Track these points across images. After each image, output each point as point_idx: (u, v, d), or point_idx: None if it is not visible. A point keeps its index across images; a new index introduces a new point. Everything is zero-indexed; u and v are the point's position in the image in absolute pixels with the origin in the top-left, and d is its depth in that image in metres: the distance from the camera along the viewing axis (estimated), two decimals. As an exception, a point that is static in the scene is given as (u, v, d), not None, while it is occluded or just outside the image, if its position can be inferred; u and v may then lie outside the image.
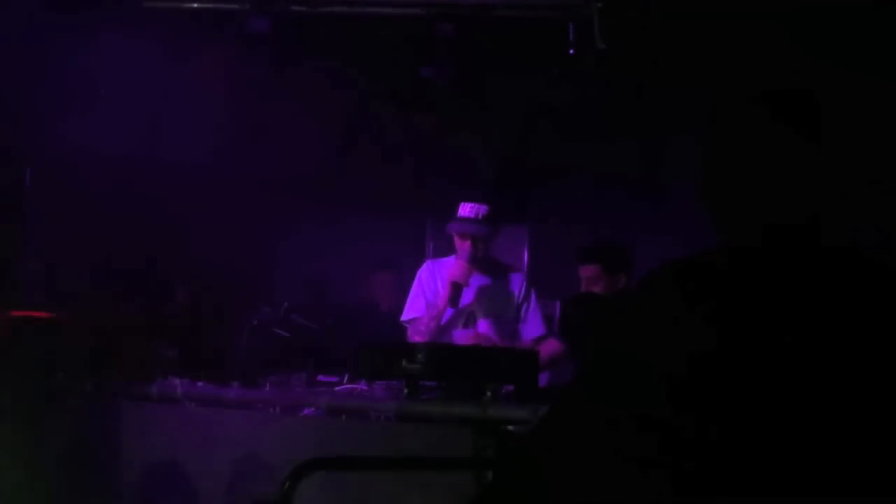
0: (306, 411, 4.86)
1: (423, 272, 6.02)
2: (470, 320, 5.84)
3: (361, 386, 4.91)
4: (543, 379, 6.04)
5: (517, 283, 5.97)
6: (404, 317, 5.97)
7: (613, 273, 5.67)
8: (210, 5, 6.96)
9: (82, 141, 6.95)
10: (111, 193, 7.07)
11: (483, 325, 5.82)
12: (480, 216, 5.87)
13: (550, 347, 5.78)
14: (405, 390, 4.49)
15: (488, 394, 4.29)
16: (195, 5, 6.91)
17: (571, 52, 6.67)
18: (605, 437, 2.08)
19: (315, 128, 7.96)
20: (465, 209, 5.89)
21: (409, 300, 6.00)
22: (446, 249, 6.16)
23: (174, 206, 7.43)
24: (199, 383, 5.30)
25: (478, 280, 5.88)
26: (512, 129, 8.51)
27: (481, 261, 5.87)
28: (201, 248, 7.55)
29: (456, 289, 5.77)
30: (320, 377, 5.18)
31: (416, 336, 5.79)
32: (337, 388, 4.98)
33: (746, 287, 2.05)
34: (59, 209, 7.09)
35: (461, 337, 5.79)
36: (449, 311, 5.79)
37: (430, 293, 5.93)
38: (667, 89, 7.39)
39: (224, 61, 7.72)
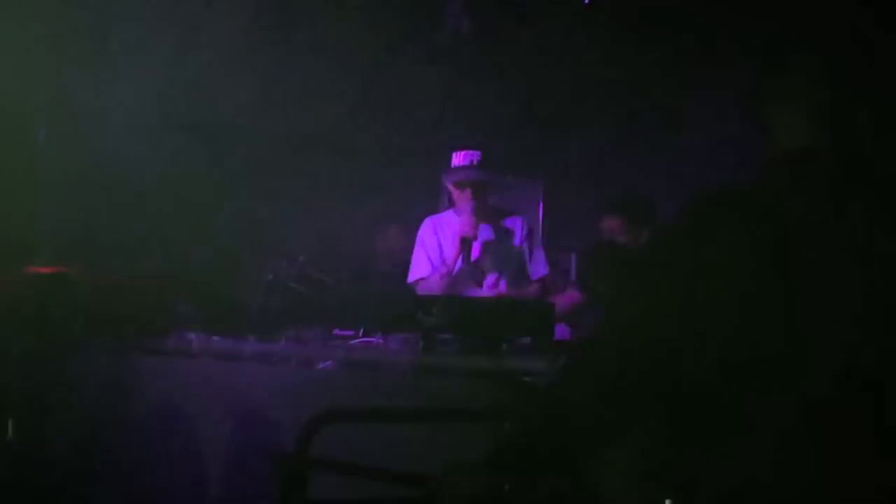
0: (322, 365, 4.87)
1: (424, 230, 5.95)
2: (477, 271, 5.79)
3: (377, 339, 4.91)
4: (562, 331, 6.03)
5: (518, 227, 5.90)
6: (410, 278, 5.91)
7: (636, 225, 5.65)
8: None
9: (95, 98, 6.93)
10: (125, 150, 7.05)
11: (491, 280, 5.78)
12: (475, 162, 5.79)
13: (569, 298, 5.76)
14: (421, 343, 4.48)
15: (504, 346, 4.28)
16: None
17: (586, 1, 6.61)
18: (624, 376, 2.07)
19: (330, 81, 7.91)
20: (459, 157, 5.83)
21: (413, 260, 5.94)
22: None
23: (189, 161, 7.41)
24: (215, 338, 5.31)
25: (480, 227, 5.79)
26: (527, 82, 8.45)
27: (482, 208, 5.77)
28: (217, 203, 7.54)
29: (466, 244, 5.72)
30: (336, 331, 5.17)
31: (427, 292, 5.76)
32: (353, 342, 4.98)
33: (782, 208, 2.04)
34: (72, 166, 7.08)
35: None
36: (459, 266, 5.75)
37: (433, 250, 5.88)
38: (682, 43, 7.33)
39: (236, 17, 7.68)
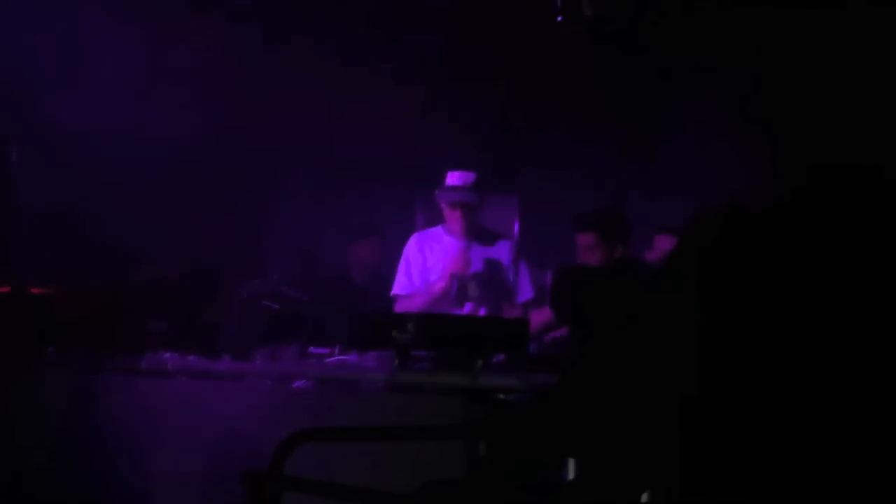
0: (297, 383, 4.85)
1: (410, 247, 6.02)
2: (461, 295, 5.84)
3: (352, 357, 4.90)
4: (534, 348, 6.05)
5: (506, 250, 5.97)
6: (396, 290, 5.99)
7: (610, 241, 5.67)
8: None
9: (70, 117, 6.91)
10: (99, 169, 7.03)
11: (469, 307, 5.82)
12: (469, 184, 5.86)
13: (543, 316, 5.78)
14: (396, 360, 4.48)
15: (479, 363, 4.28)
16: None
17: (559, 18, 6.64)
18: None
19: (304, 99, 7.92)
20: (454, 177, 5.89)
21: (397, 275, 6.00)
22: (436, 219, 6.15)
23: (163, 180, 7.39)
24: (190, 357, 5.29)
25: (480, 256, 5.89)
26: (500, 97, 8.48)
27: (471, 229, 5.87)
28: (191, 221, 7.53)
29: (454, 279, 5.78)
30: (311, 349, 5.16)
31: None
32: (328, 360, 4.97)
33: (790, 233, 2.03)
34: (46, 185, 7.06)
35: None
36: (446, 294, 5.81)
37: (416, 268, 5.94)
38: (655, 54, 7.35)
39: (212, 33, 7.68)
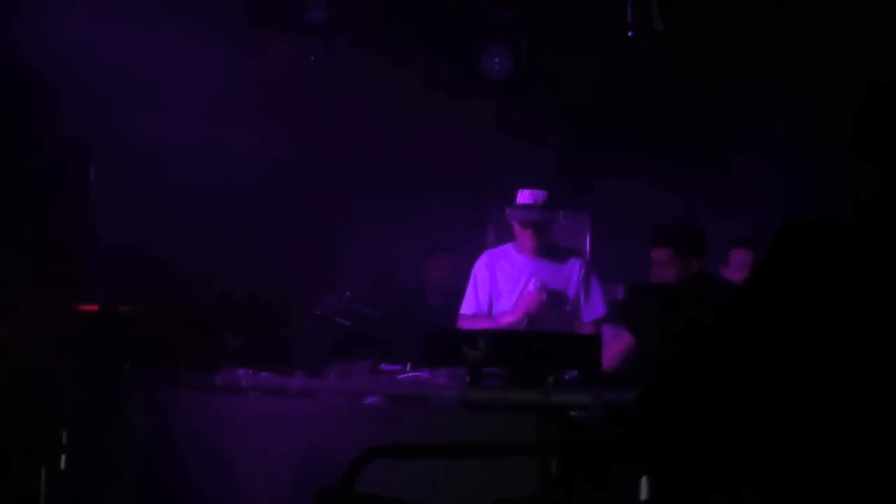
0: (369, 400, 4.87)
1: (479, 266, 6.03)
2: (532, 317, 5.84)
3: (424, 374, 4.91)
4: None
5: (577, 267, 5.95)
6: (463, 310, 6.00)
7: (685, 256, 5.62)
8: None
9: (146, 135, 7.02)
10: (175, 186, 7.12)
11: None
12: (540, 202, 5.86)
13: (620, 344, 5.72)
14: (468, 377, 4.48)
15: (550, 379, 4.27)
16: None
17: (630, 34, 6.63)
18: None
19: (375, 116, 7.97)
20: (525, 196, 5.88)
21: (466, 294, 6.02)
22: (507, 235, 6.15)
23: (238, 198, 7.47)
24: (263, 373, 5.33)
25: (539, 265, 5.88)
26: (572, 113, 8.47)
27: (542, 246, 5.87)
28: (265, 239, 7.59)
29: (527, 318, 5.79)
30: (383, 366, 5.18)
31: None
32: (400, 377, 4.99)
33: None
34: (123, 203, 7.16)
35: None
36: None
37: (484, 288, 5.96)
38: (726, 70, 7.32)
39: (285, 52, 7.76)
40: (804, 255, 2.02)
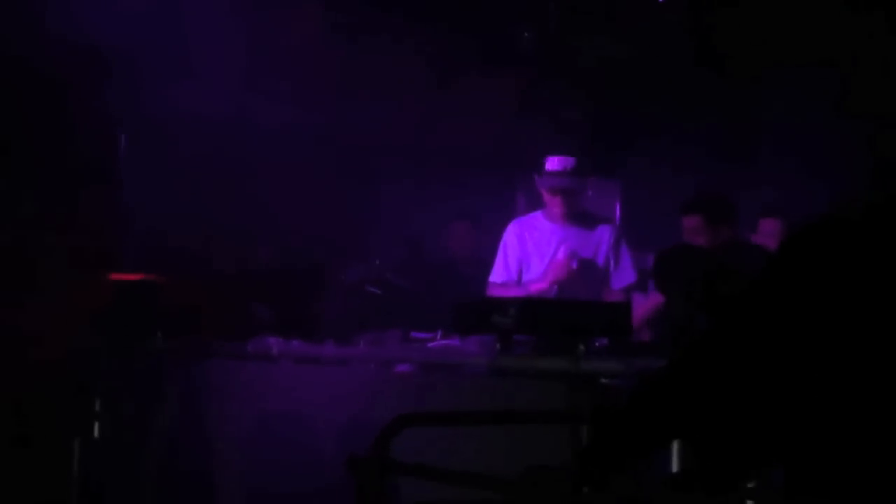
0: (400, 368, 4.88)
1: (509, 234, 6.01)
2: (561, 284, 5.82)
3: (454, 342, 4.91)
4: (645, 335, 6.02)
5: (607, 234, 5.92)
6: (492, 278, 5.99)
7: (716, 224, 5.62)
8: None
9: (174, 104, 7.02)
10: (205, 156, 7.14)
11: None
12: (569, 169, 5.82)
13: (650, 303, 5.74)
14: (498, 345, 4.48)
15: (581, 347, 4.26)
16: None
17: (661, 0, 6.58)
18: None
19: (405, 85, 7.95)
20: (553, 163, 5.85)
21: (496, 262, 6.01)
22: (537, 202, 6.13)
23: (267, 169, 7.48)
24: (294, 341, 5.34)
25: (568, 232, 5.85)
26: (603, 80, 8.42)
27: (572, 213, 5.84)
28: (295, 209, 7.60)
29: (555, 286, 5.77)
30: (413, 334, 5.19)
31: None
32: (430, 345, 4.99)
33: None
34: (152, 173, 7.18)
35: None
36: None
37: (514, 256, 5.94)
38: (756, 38, 7.26)
39: (312, 22, 7.74)
40: (813, 257, 2.02)
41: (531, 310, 4.45)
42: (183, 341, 5.76)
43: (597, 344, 4.41)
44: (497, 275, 5.98)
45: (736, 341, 2.09)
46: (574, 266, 5.77)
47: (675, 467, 3.22)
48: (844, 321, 1.97)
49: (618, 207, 8.81)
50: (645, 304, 5.77)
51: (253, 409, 5.16)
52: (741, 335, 2.08)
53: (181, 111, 6.99)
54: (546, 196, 5.89)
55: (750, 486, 2.49)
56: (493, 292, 5.95)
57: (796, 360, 2.01)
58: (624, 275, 5.89)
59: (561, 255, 5.79)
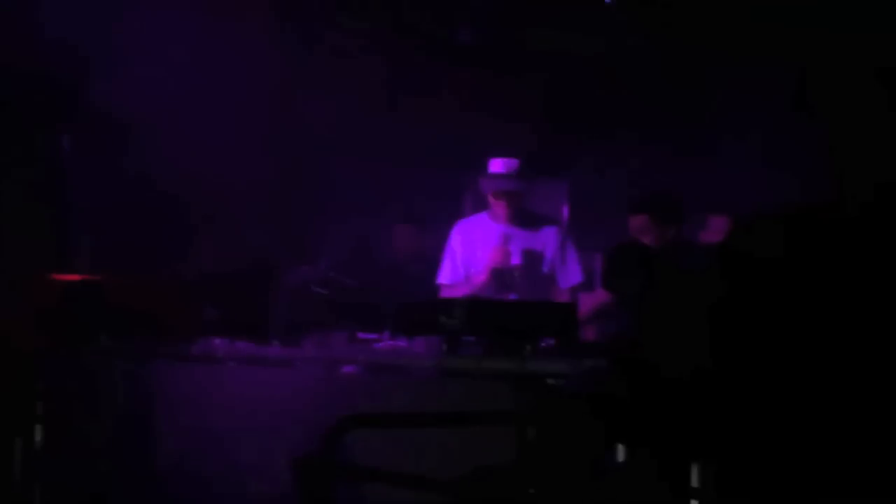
0: (346, 369, 4.86)
1: (455, 236, 6.02)
2: (504, 282, 5.82)
3: (401, 343, 4.90)
4: (590, 332, 6.03)
5: (553, 235, 5.93)
6: (440, 280, 6.00)
7: (663, 224, 5.64)
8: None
9: (121, 104, 6.96)
10: (150, 156, 7.08)
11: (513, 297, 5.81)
12: (513, 171, 5.83)
13: (594, 299, 5.76)
14: (444, 346, 4.47)
15: (528, 348, 4.26)
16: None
17: (608, 1, 6.60)
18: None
19: (352, 86, 7.93)
20: (497, 165, 5.86)
21: (443, 263, 6.02)
22: (484, 204, 6.14)
23: (214, 169, 7.43)
24: (240, 343, 5.31)
25: (514, 233, 5.85)
26: (550, 83, 8.44)
27: (516, 215, 5.84)
28: (241, 209, 7.56)
29: (499, 276, 5.76)
30: (360, 334, 5.17)
31: None
32: (377, 346, 4.98)
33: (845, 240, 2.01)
34: (97, 175, 7.12)
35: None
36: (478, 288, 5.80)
37: (461, 257, 5.94)
38: (706, 39, 7.30)
39: (259, 21, 7.70)
40: (748, 252, 2.04)
41: (478, 311, 4.45)
42: (128, 342, 5.71)
43: (543, 345, 4.42)
44: (444, 276, 6.00)
45: (675, 337, 2.10)
46: (510, 250, 5.76)
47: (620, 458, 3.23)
48: (780, 316, 1.99)
49: (565, 208, 8.84)
50: (590, 301, 5.79)
51: (198, 411, 5.12)
52: (681, 331, 2.09)
53: (126, 110, 6.93)
54: (490, 198, 5.89)
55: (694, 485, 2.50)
56: (442, 293, 5.96)
57: (732, 354, 2.02)
58: (571, 275, 5.91)
59: (495, 241, 5.77)
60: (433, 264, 6.18)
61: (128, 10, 7.04)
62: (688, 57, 7.81)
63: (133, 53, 7.06)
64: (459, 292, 5.83)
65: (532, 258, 5.84)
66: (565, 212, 8.80)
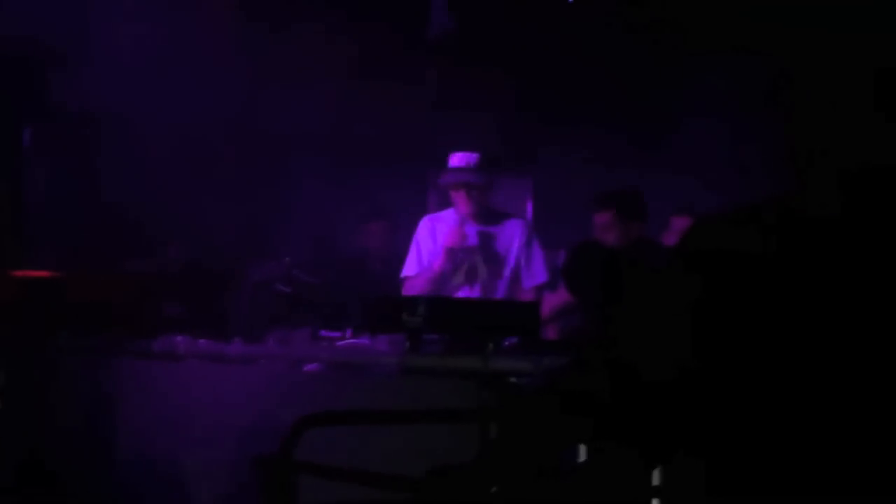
0: (309, 367, 4.84)
1: (421, 229, 5.99)
2: (471, 273, 5.79)
3: (364, 340, 4.89)
4: (553, 331, 6.02)
5: (517, 231, 5.89)
6: (403, 272, 5.96)
7: (628, 221, 5.63)
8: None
9: (81, 100, 6.91)
10: (113, 151, 7.03)
11: (477, 288, 5.79)
12: (472, 165, 5.79)
13: (558, 299, 5.74)
14: (407, 344, 4.46)
15: (490, 346, 4.26)
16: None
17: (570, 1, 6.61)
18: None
19: (317, 81, 7.91)
20: (456, 159, 5.82)
21: (408, 257, 5.98)
22: (448, 201, 6.12)
23: (177, 164, 7.39)
24: (201, 340, 5.28)
25: (477, 231, 5.82)
26: (515, 78, 8.45)
27: (479, 211, 5.80)
28: (203, 205, 7.53)
29: (451, 254, 5.73)
30: (323, 332, 5.16)
31: (411, 293, 5.77)
32: (339, 343, 4.96)
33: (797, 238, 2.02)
34: (58, 169, 7.06)
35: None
36: (445, 271, 5.76)
37: (427, 251, 5.90)
38: (667, 34, 7.32)
39: (225, 14, 7.66)
40: (704, 252, 2.05)
41: (441, 308, 4.45)
42: (89, 339, 5.67)
43: (506, 343, 4.42)
44: (409, 269, 5.96)
45: (632, 336, 2.11)
46: (465, 232, 5.73)
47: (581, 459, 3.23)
48: (736, 316, 1.99)
49: (529, 205, 8.85)
50: (552, 300, 5.77)
51: (159, 409, 5.09)
52: (637, 330, 2.10)
53: (88, 104, 6.89)
54: (451, 193, 5.86)
55: (656, 483, 2.50)
56: (406, 285, 5.91)
57: (699, 352, 2.03)
58: (535, 274, 5.87)
59: (452, 225, 5.74)
60: (399, 261, 6.16)
61: (90, 5, 6.99)
62: (655, 53, 7.84)
63: (96, 49, 7.02)
64: (421, 281, 5.79)
65: (487, 239, 5.80)
66: (529, 208, 8.81)
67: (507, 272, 5.84)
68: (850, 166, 2.07)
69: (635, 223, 5.67)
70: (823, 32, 2.12)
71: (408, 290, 5.85)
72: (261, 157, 7.87)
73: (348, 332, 5.01)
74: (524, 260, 5.86)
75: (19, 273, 6.24)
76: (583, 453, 3.17)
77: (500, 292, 5.77)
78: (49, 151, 7.11)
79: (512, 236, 5.87)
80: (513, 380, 4.04)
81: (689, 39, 7.38)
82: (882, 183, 2.05)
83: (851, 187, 2.05)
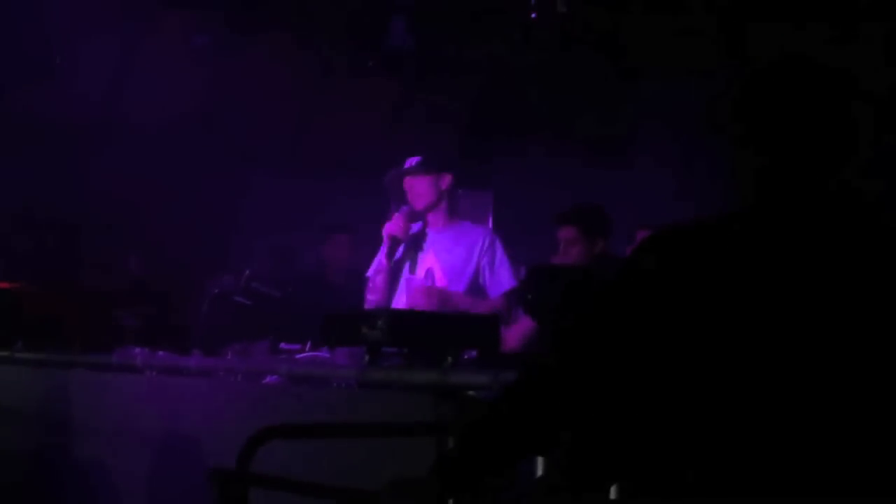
0: (268, 379, 4.83)
1: (385, 233, 5.96)
2: (429, 279, 5.73)
3: (323, 353, 4.88)
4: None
5: (479, 238, 5.79)
6: (369, 273, 5.91)
7: (591, 236, 5.64)
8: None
9: (37, 109, 6.87)
10: (71, 161, 7.00)
11: (421, 274, 5.71)
12: (412, 166, 5.77)
13: (524, 326, 5.65)
14: (366, 357, 4.46)
15: (449, 359, 4.26)
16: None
17: (533, 15, 6.65)
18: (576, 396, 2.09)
19: (278, 94, 7.91)
20: (406, 162, 5.82)
21: (376, 258, 5.93)
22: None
23: (135, 177, 7.36)
24: (160, 352, 5.27)
25: (437, 238, 5.76)
26: (475, 93, 8.48)
27: (428, 208, 5.72)
28: (162, 217, 7.50)
29: (393, 242, 5.68)
30: (282, 345, 5.15)
31: (371, 293, 5.72)
32: (298, 356, 4.95)
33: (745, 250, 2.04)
34: (15, 181, 7.02)
35: (413, 283, 5.67)
36: (385, 264, 5.70)
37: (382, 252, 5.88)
38: (630, 53, 7.37)
39: (184, 29, 7.65)
40: (652, 265, 2.07)
41: (400, 322, 4.44)
42: (46, 351, 5.63)
43: (465, 356, 4.42)
44: (374, 269, 5.87)
45: (582, 350, 2.13)
46: (433, 284, 5.68)
47: (539, 472, 3.24)
48: (685, 328, 2.02)
49: (490, 219, 8.86)
50: (517, 332, 5.67)
51: (116, 421, 5.06)
52: (588, 344, 2.12)
53: (43, 114, 6.85)
54: (407, 195, 5.81)
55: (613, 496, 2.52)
56: (369, 286, 5.82)
57: (638, 366, 2.05)
58: (501, 282, 5.75)
59: (418, 281, 5.67)
60: (359, 275, 6.13)
61: (46, 13, 6.96)
62: (613, 70, 7.89)
63: (54, 61, 6.99)
64: (378, 280, 5.71)
65: (446, 243, 5.74)
66: (490, 222, 8.82)
67: (465, 278, 5.76)
68: (796, 180, 2.10)
69: (599, 238, 5.68)
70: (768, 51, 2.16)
71: (369, 290, 5.79)
72: (219, 169, 7.85)
73: (308, 345, 5.00)
74: (488, 268, 5.76)
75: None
76: (540, 466, 3.19)
77: (439, 281, 5.68)
78: (5, 164, 7.05)
79: (474, 242, 5.77)
80: (471, 393, 4.04)
81: (645, 57, 7.44)
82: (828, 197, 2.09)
83: (795, 200, 2.09)
